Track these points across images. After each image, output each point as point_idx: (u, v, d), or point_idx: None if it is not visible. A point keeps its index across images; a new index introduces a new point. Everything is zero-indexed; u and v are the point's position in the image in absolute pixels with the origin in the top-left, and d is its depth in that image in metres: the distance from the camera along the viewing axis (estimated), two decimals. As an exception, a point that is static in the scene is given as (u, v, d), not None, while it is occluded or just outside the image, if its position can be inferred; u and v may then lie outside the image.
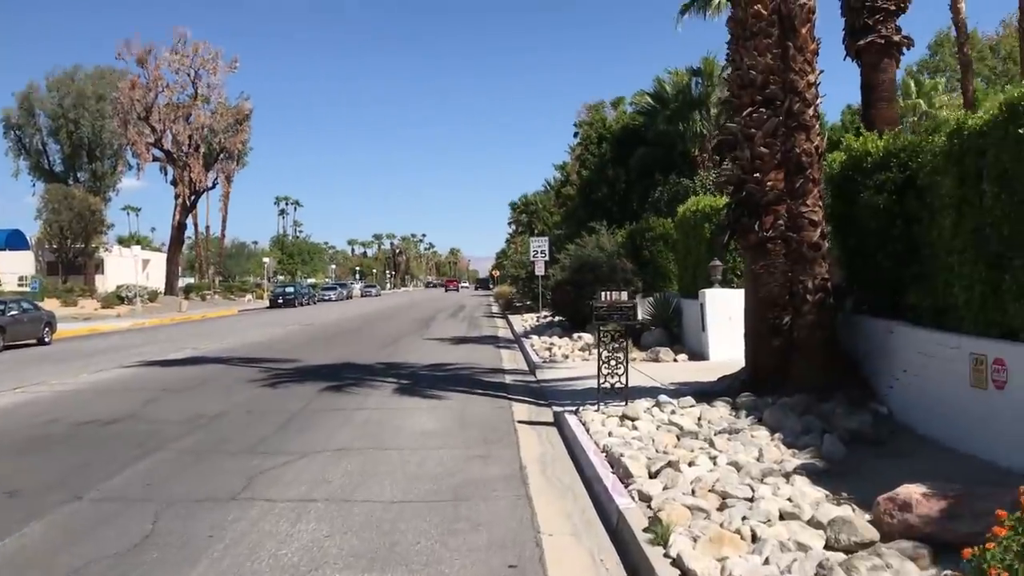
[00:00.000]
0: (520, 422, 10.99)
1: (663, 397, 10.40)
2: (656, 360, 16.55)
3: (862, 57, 16.90)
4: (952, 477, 7.08)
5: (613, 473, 7.46)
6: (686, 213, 19.18)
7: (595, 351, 18.35)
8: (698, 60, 37.30)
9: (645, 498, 6.58)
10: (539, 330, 25.21)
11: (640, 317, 22.65)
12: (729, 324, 15.98)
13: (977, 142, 7.76)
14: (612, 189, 38.13)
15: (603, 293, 10.31)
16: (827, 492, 6.53)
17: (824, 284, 9.85)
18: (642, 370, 14.97)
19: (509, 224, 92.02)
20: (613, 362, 10.40)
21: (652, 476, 7.20)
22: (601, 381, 10.41)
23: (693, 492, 6.60)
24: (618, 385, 10.39)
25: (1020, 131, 6.99)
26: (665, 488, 6.73)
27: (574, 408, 10.83)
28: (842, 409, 9.28)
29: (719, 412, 9.62)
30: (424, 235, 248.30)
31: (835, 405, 9.42)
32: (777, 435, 8.42)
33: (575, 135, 54.98)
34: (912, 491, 5.42)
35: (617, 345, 10.41)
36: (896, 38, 16.42)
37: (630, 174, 37.83)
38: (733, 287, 16.96)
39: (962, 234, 8.03)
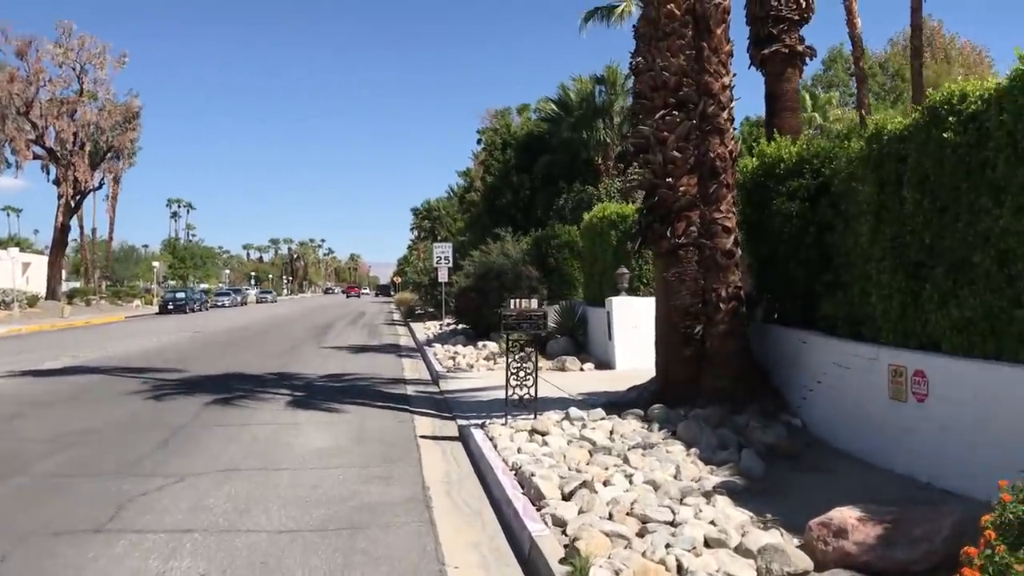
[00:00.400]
0: (423, 437, 10.38)
1: (573, 410, 9.95)
2: (563, 369, 16.15)
3: (766, 66, 16.92)
4: (875, 494, 6.82)
5: (524, 494, 6.93)
6: (592, 220, 18.90)
7: (501, 360, 17.94)
8: (602, 68, 37.43)
9: (560, 523, 6.07)
10: (442, 338, 24.60)
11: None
12: (636, 332, 15.73)
13: (897, 147, 7.56)
14: (516, 196, 37.80)
15: (512, 301, 9.81)
16: (752, 514, 6.15)
17: (737, 292, 9.57)
18: (549, 380, 14.53)
19: (411, 230, 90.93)
20: (522, 373, 9.90)
21: (566, 498, 6.70)
22: (509, 393, 9.89)
23: (611, 516, 6.13)
24: (527, 397, 9.89)
25: (944, 135, 6.78)
26: (581, 512, 6.23)
27: (480, 422, 10.29)
28: (756, 422, 8.99)
29: (631, 425, 9.21)
30: (323, 240, 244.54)
31: (749, 417, 9.13)
32: (693, 450, 8.05)
33: (479, 142, 54.64)
34: (847, 516, 5.05)
35: (525, 355, 9.91)
36: (800, 48, 16.48)
37: (534, 181, 37.59)
38: (639, 295, 16.72)
39: (880, 242, 7.81)
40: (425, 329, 29.79)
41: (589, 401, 11.86)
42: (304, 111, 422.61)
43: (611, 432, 9.00)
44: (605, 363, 16.61)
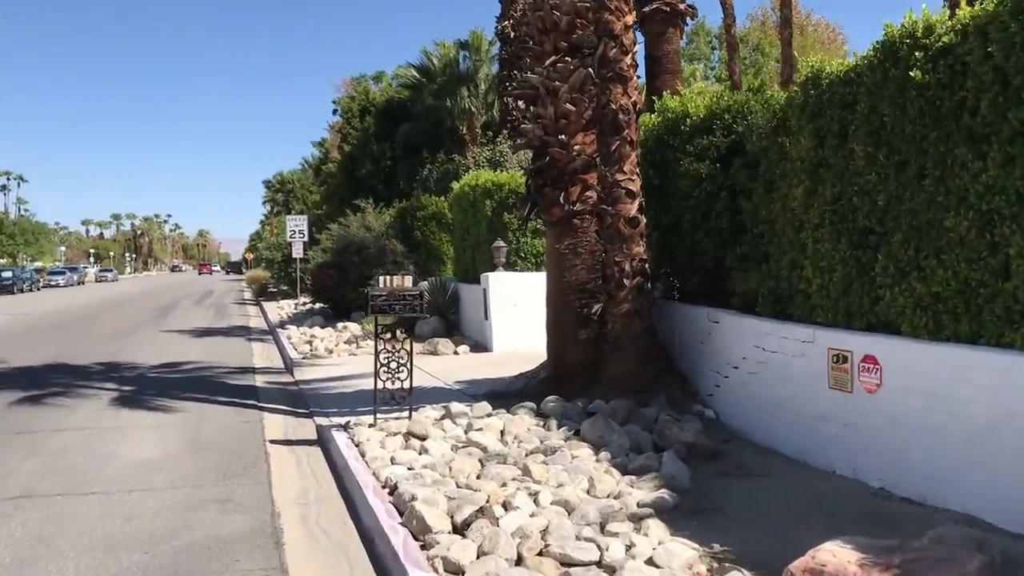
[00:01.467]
0: (274, 442, 8.71)
1: (455, 404, 8.47)
2: (435, 353, 14.65)
3: (646, 26, 15.89)
4: (826, 505, 5.70)
5: (403, 525, 5.43)
6: (464, 189, 17.41)
7: (364, 344, 16.28)
8: (467, 34, 35.86)
9: (455, 570, 4.62)
10: (297, 319, 22.62)
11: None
12: (515, 311, 14.40)
13: (842, 92, 6.40)
14: (377, 166, 35.86)
15: (382, 278, 8.23)
16: (695, 545, 4.86)
17: (643, 267, 8.32)
18: (421, 366, 13.00)
19: (264, 204, 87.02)
20: (394, 364, 8.35)
21: (459, 529, 5.24)
22: (379, 387, 8.32)
23: (520, 557, 4.71)
24: (400, 393, 8.36)
25: (909, 74, 5.63)
26: (481, 552, 4.78)
27: (344, 421, 8.71)
28: (666, 415, 7.79)
29: (525, 422, 7.83)
30: (169, 215, 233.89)
31: (658, 410, 7.92)
32: (603, 454, 6.73)
33: (334, 112, 51.93)
34: (843, 560, 3.80)
35: (398, 342, 8.37)
36: (681, 6, 15.55)
37: (396, 150, 35.75)
38: (517, 270, 15.39)
39: (818, 205, 6.67)
40: (278, 309, 27.64)
41: (470, 391, 10.44)
42: (149, 81, 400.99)
43: (502, 433, 7.59)
44: (481, 345, 15.22)
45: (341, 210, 29.27)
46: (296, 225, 29.31)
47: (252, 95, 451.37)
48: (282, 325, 21.37)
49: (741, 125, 8.40)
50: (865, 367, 6.13)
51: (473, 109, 35.73)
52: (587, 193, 8.94)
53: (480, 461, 6.71)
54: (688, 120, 8.87)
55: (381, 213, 24.72)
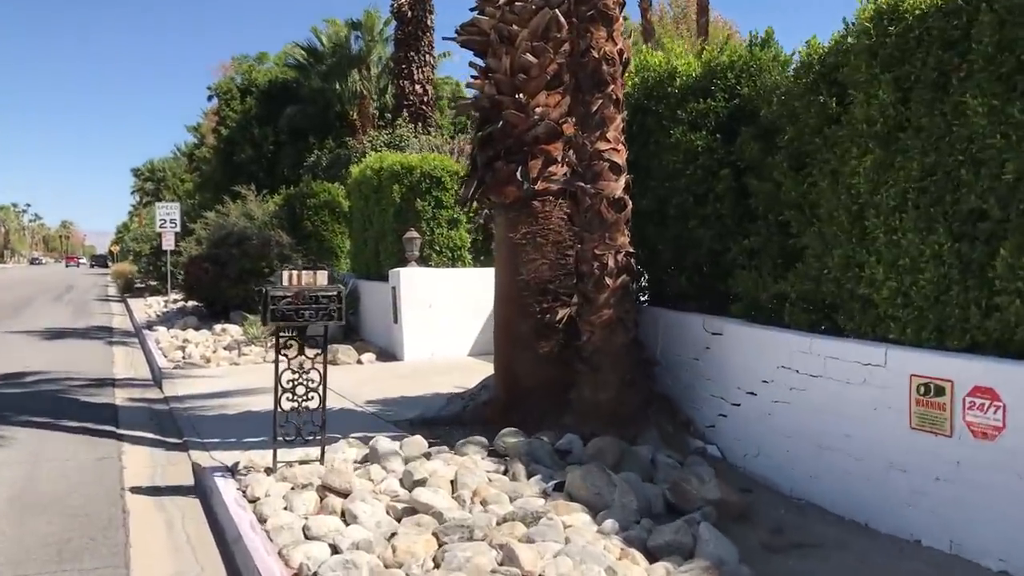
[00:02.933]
0: (136, 491, 6.48)
1: (381, 441, 6.38)
2: (334, 363, 12.43)
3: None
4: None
5: (341, 667, 3.39)
6: (365, 173, 15.22)
7: (248, 351, 13.84)
8: (359, 12, 33.46)
9: None
10: (168, 319, 19.88)
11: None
12: (430, 313, 12.40)
13: (942, 25, 4.69)
14: (258, 151, 33.08)
15: (288, 273, 6.09)
16: None
17: (628, 263, 6.46)
18: (320, 379, 10.91)
19: (133, 194, 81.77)
20: (301, 388, 6.23)
21: None
22: (279, 420, 6.18)
23: None
24: (309, 428, 6.24)
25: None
26: None
27: (232, 461, 6.57)
28: (664, 457, 5.99)
29: (480, 468, 5.85)
30: (28, 205, 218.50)
31: (651, 449, 6.10)
32: (608, 523, 4.82)
33: (209, 99, 48.04)
34: None
35: (309, 359, 6.25)
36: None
37: (279, 135, 33.04)
38: (431, 265, 13.36)
39: (897, 183, 4.95)
40: (146, 307, 24.67)
41: (390, 415, 8.41)
42: (3, 63, 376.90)
43: (454, 484, 5.58)
44: (389, 352, 13.11)
45: (217, 199, 26.50)
46: (167, 213, 26.32)
47: (122, 79, 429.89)
48: (150, 326, 18.64)
49: (748, 86, 6.67)
50: (976, 402, 4.44)
51: (365, 93, 33.41)
52: (550, 168, 7.05)
53: (436, 536, 4.70)
54: (676, 81, 7.09)
55: (265, 201, 22.17)
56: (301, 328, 6.37)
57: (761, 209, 6.30)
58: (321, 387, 6.26)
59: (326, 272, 6.21)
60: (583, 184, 6.31)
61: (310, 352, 6.29)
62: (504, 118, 7.00)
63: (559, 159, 7.07)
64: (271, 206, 21.45)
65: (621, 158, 6.36)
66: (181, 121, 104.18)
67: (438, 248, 13.57)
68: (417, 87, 28.27)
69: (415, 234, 12.91)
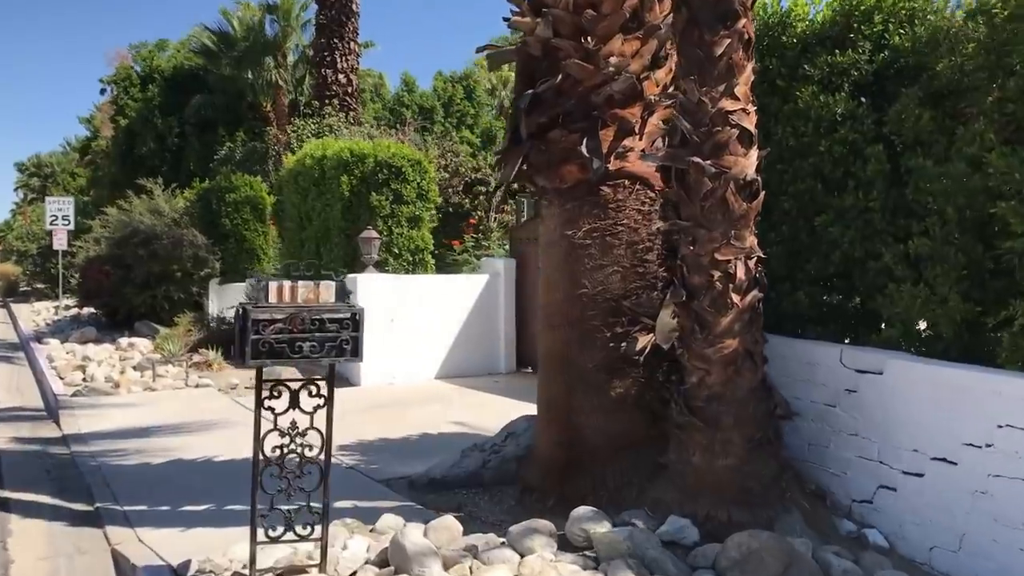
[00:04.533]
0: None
1: (409, 535, 4.31)
2: (275, 388, 10.25)
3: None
4: None
5: None
6: (305, 163, 12.99)
7: (164, 371, 11.25)
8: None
9: None
10: (61, 328, 17.11)
11: (215, 312, 16.02)
12: (393, 329, 10.32)
13: None
14: (162, 144, 30.12)
15: (276, 285, 3.97)
16: None
17: (760, 273, 4.58)
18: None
19: (16, 190, 75.88)
20: (293, 458, 4.12)
21: None
22: (263, 502, 4.05)
23: None
24: (306, 512, 4.14)
25: None
26: None
27: (179, 562, 4.44)
28: (835, 556, 4.13)
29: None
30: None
31: (807, 546, 4.21)
32: None
33: (102, 92, 44.01)
34: None
35: (304, 413, 4.14)
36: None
37: (185, 126, 30.16)
38: (388, 270, 11.28)
39: None
40: (33, 314, 21.68)
41: (376, 471, 6.40)
42: None
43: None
44: (341, 376, 10.93)
45: (116, 195, 23.59)
46: (59, 209, 23.33)
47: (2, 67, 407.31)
48: (39, 337, 15.87)
49: (899, 34, 4.90)
50: None
51: (281, 82, 30.76)
52: (626, 141, 5.12)
53: None
54: (796, 27, 5.27)
55: (174, 196, 19.53)
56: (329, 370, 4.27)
57: (938, 201, 4.52)
58: (323, 454, 4.18)
59: (332, 284, 4.13)
60: (699, 160, 4.40)
61: (307, 402, 4.20)
62: (565, 70, 5.05)
63: (637, 129, 5.16)
64: (180, 202, 18.86)
65: (752, 123, 4.48)
66: (72, 112, 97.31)
67: (397, 250, 11.49)
68: (341, 76, 26.12)
69: (373, 234, 10.81)
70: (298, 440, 4.11)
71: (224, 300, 15.87)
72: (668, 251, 5.23)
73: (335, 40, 26.02)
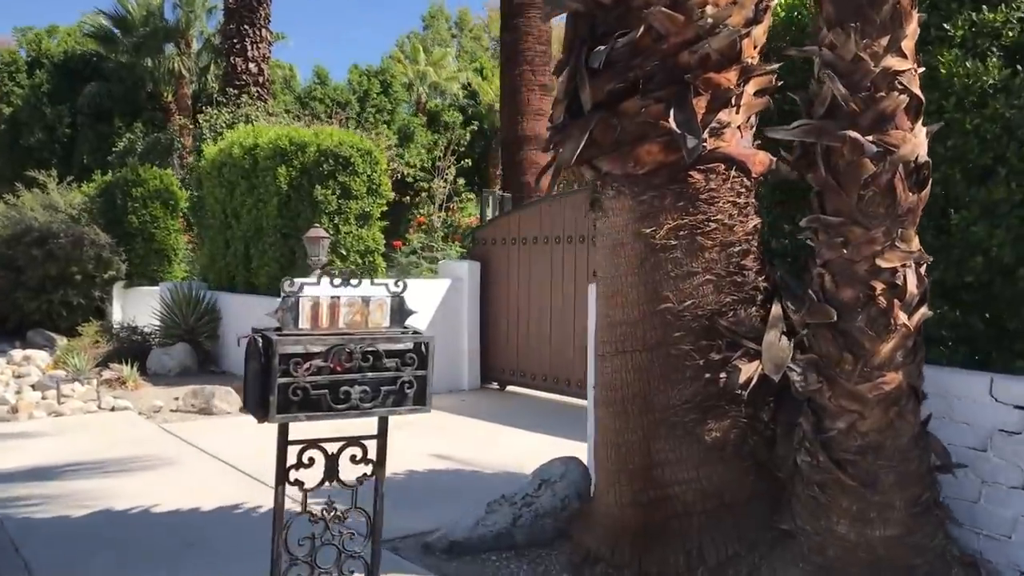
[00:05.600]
0: None
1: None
2: (208, 412, 8.75)
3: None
4: None
5: None
6: (231, 152, 11.47)
7: (69, 392, 9.55)
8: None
9: None
10: (-66, 339, 14.99)
11: (119, 319, 14.28)
12: (348, 343, 8.91)
13: None
14: (52, 134, 27.72)
15: (310, 302, 2.70)
16: None
17: (924, 284, 3.52)
18: (199, 444, 7.26)
19: None
20: (329, 551, 2.86)
21: None
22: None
23: None
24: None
25: None
26: None
27: None
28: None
29: None
30: None
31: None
32: None
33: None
34: None
35: (343, 485, 2.89)
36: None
37: (78, 116, 27.81)
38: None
39: None
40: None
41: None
42: None
43: None
44: (282, 395, 9.53)
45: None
46: (-68, 203, 20.85)
47: None
48: (-93, 351, 13.79)
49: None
50: None
51: (184, 71, 28.78)
52: (720, 114, 4.01)
53: None
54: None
55: (70, 190, 17.53)
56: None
57: None
58: (370, 545, 2.91)
59: (386, 299, 2.87)
60: (856, 135, 3.31)
61: (348, 469, 2.94)
62: (647, 21, 3.89)
63: (733, 100, 4.05)
64: (78, 196, 16.90)
65: (918, 87, 3.42)
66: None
67: (344, 252, 10.13)
68: (251, 66, 24.34)
69: (322, 232, 9.42)
70: (335, 527, 2.83)
71: (131, 306, 14.17)
72: (766, 254, 4.16)
73: (245, 26, 24.26)
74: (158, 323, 11.86)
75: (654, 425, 4.02)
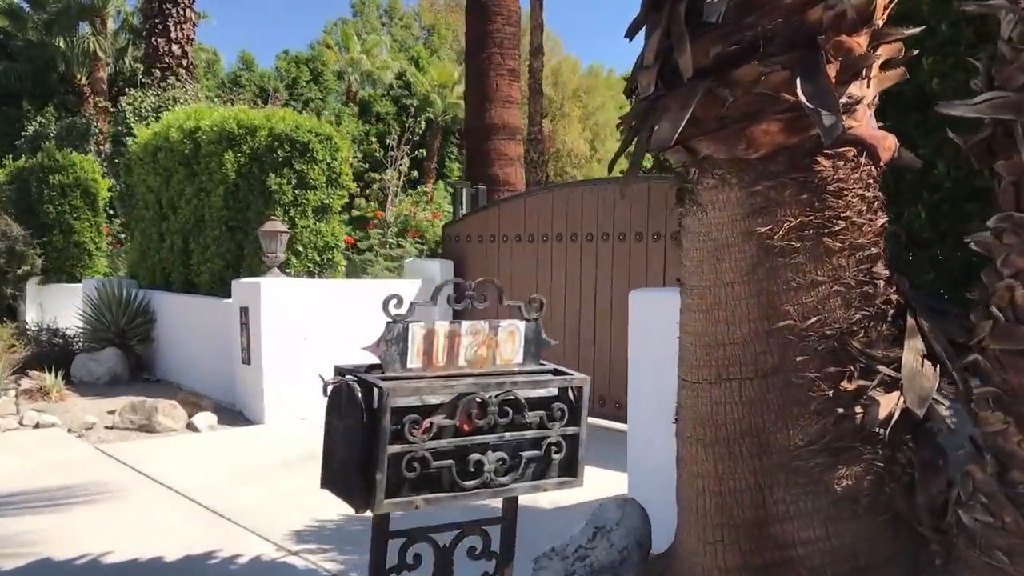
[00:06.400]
0: None
1: None
2: (150, 430, 7.66)
3: None
4: None
5: None
6: (170, 135, 10.30)
7: None
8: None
9: None
10: None
11: (34, 319, 12.96)
12: (304, 351, 8.05)
13: None
14: (-49, 117, 25.72)
15: (418, 331, 1.83)
16: None
17: None
18: (141, 468, 6.20)
19: None
20: None
21: None
22: None
23: None
24: None
25: None
26: None
27: None
28: None
29: None
30: None
31: None
32: None
33: None
34: None
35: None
36: None
37: (-19, 97, 25.93)
38: (288, 274, 8.92)
39: None
40: None
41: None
42: None
43: None
44: (232, 410, 8.48)
45: None
46: None
47: None
48: None
49: None
50: None
51: (100, 52, 27.02)
52: (852, 88, 3.26)
53: None
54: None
55: (-26, 177, 15.94)
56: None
57: None
58: None
59: (518, 325, 2.00)
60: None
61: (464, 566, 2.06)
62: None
63: (864, 71, 3.30)
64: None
65: None
66: None
67: (301, 248, 9.13)
68: (175, 47, 22.88)
69: (280, 226, 8.45)
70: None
71: (50, 305, 12.84)
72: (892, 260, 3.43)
73: (168, 5, 22.79)
74: (83, 325, 10.63)
75: (771, 471, 3.24)
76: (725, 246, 3.37)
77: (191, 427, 7.77)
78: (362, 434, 1.75)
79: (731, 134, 3.28)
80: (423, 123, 22.66)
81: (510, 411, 1.82)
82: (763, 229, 3.26)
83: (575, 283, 7.98)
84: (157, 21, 22.52)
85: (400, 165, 12.92)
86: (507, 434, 1.83)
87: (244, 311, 8.17)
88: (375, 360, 1.95)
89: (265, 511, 5.27)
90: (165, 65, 22.22)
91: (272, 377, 7.96)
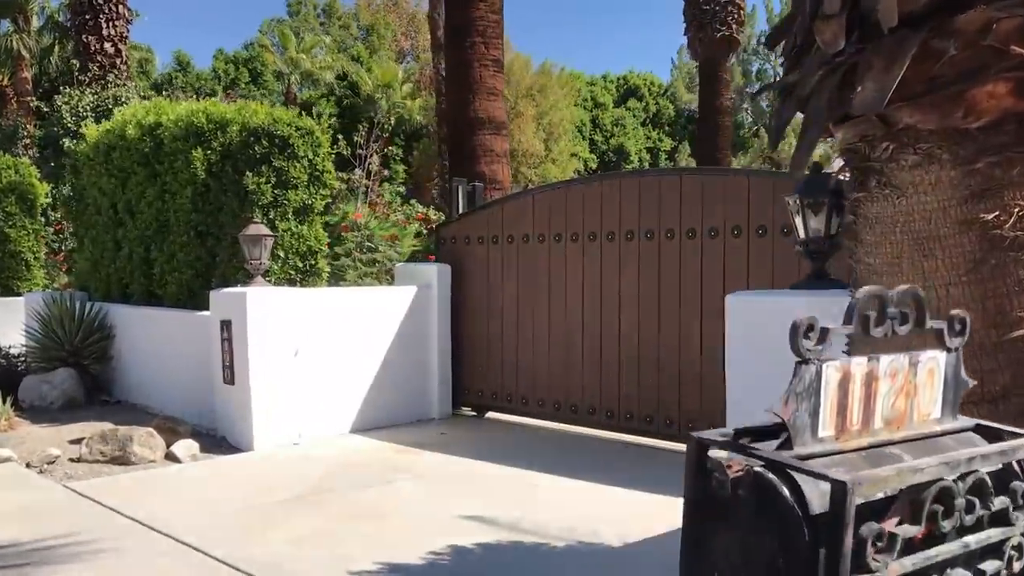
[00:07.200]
0: None
1: None
2: (125, 462, 6.70)
3: None
4: None
5: None
6: (127, 132, 9.31)
7: None
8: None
9: None
10: None
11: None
12: (295, 367, 7.23)
13: None
14: None
15: (832, 386, 1.11)
16: None
17: None
18: (127, 511, 5.30)
19: None
20: None
21: None
22: None
23: None
24: None
25: None
26: None
27: None
28: None
29: None
30: None
31: None
32: None
33: None
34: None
35: None
36: None
37: None
38: (269, 282, 8.03)
39: None
40: None
41: None
42: None
43: None
44: (215, 436, 7.56)
45: None
46: None
47: None
48: None
49: None
50: None
51: (23, 51, 25.50)
52: (1088, 41, 2.63)
53: None
54: None
55: None
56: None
57: None
58: None
59: (939, 358, 1.29)
60: None
61: None
62: None
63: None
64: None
65: None
66: None
67: (282, 254, 8.26)
68: (107, 45, 21.72)
69: (264, 230, 7.59)
70: None
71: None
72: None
73: (99, 1, 21.56)
74: (31, 343, 9.58)
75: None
76: (935, 239, 2.72)
77: (171, 457, 6.86)
78: (800, 567, 1.02)
79: (944, 99, 2.64)
80: (392, 119, 21.79)
81: (976, 503, 1.14)
82: (988, 217, 2.63)
83: (599, 282, 7.28)
84: (88, 17, 21.32)
85: (370, 164, 12.08)
86: (971, 538, 1.14)
87: (226, 325, 7.28)
88: (746, 421, 1.22)
89: (297, 567, 4.44)
90: (97, 64, 21.03)
91: (261, 398, 7.09)
